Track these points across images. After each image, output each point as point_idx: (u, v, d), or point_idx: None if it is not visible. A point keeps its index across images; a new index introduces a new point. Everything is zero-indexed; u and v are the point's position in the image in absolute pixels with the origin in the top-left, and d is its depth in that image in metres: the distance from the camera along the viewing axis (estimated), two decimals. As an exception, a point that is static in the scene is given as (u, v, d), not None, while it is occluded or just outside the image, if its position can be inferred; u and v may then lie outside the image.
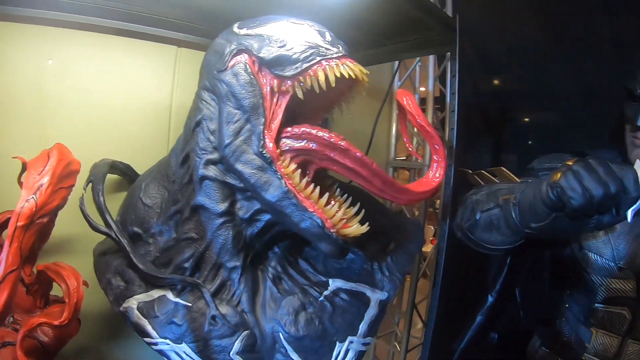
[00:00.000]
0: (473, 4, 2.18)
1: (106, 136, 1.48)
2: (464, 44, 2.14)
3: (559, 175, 0.78)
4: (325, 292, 1.11)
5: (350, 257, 1.19)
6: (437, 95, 2.24)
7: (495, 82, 2.23)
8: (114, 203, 1.30)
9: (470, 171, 1.26)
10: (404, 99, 1.16)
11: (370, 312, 1.13)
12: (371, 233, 1.18)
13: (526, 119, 2.20)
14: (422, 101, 2.24)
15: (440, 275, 1.47)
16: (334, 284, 1.14)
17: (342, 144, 0.96)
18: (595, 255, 1.33)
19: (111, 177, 1.44)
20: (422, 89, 2.31)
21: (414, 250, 1.27)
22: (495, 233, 1.02)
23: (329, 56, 1.01)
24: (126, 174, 1.45)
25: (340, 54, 1.02)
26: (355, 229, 0.98)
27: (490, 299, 1.59)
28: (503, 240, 1.02)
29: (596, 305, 1.35)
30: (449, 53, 1.69)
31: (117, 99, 1.51)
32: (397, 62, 2.19)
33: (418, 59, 2.25)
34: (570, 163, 0.79)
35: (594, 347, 1.36)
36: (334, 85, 0.98)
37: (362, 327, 1.11)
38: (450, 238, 1.38)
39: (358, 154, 0.95)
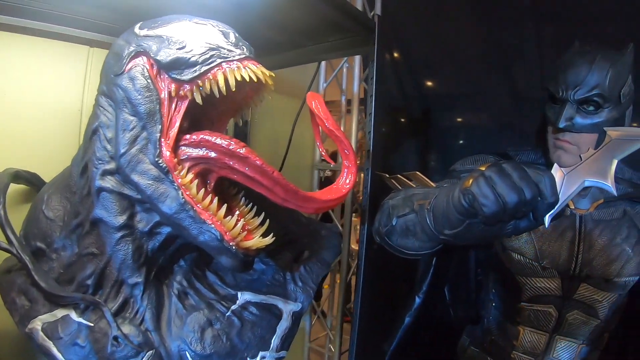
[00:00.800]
0: (402, 6, 2.17)
1: (11, 143, 1.38)
2: (391, 45, 2.16)
3: (470, 181, 0.75)
4: (233, 307, 1.06)
5: (261, 268, 1.14)
6: (363, 97, 2.23)
7: (423, 84, 2.23)
8: (22, 215, 1.22)
9: (387, 175, 1.24)
10: (313, 102, 1.12)
11: (283, 325, 1.09)
12: (284, 242, 1.15)
13: (453, 121, 2.22)
14: (350, 102, 2.23)
15: (361, 280, 1.45)
16: (243, 297, 1.08)
17: (241, 151, 0.91)
18: (519, 256, 1.36)
19: (18, 187, 1.34)
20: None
21: (329, 259, 1.23)
22: (412, 239, 1.00)
23: (230, 58, 0.95)
24: (33, 184, 1.34)
25: (243, 56, 0.96)
26: (256, 241, 0.93)
27: (417, 300, 1.60)
28: (421, 246, 1.01)
29: (522, 303, 1.38)
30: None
31: (23, 102, 1.40)
32: (323, 63, 2.17)
33: (345, 60, 2.24)
34: (483, 168, 0.75)
35: (522, 344, 1.39)
36: (234, 89, 0.93)
37: (275, 341, 1.06)
38: (371, 242, 1.37)
39: (258, 162, 0.90)
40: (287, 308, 1.11)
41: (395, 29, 2.12)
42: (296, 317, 1.12)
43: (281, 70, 1.82)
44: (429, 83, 2.22)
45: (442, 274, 1.62)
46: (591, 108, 1.24)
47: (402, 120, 2.19)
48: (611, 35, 1.96)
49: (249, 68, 0.95)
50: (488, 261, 1.48)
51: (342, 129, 2.37)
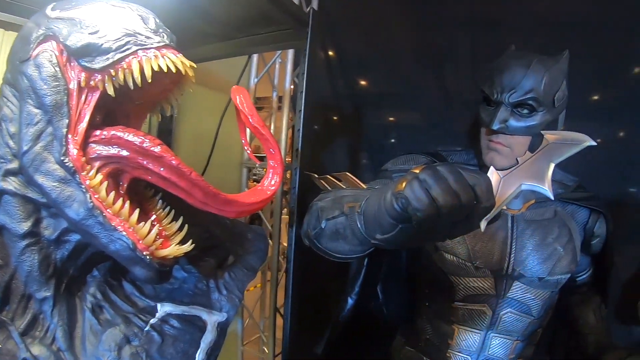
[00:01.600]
0: (339, 3, 2.13)
1: None
2: (326, 42, 2.12)
3: (404, 184, 0.69)
4: (152, 321, 0.96)
5: (182, 276, 1.05)
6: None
7: (357, 82, 2.20)
8: None
9: (316, 175, 1.18)
10: (237, 96, 1.04)
11: (208, 338, 1.00)
12: (207, 246, 1.06)
13: (386, 120, 2.21)
14: (281, 99, 2.18)
15: (291, 283, 1.40)
16: (163, 309, 0.99)
17: (155, 149, 0.81)
18: (451, 256, 1.35)
19: None
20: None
21: (255, 264, 1.16)
22: (342, 242, 0.94)
23: (147, 46, 0.85)
24: None
25: (162, 44, 0.87)
26: (173, 249, 0.84)
27: (350, 300, 1.57)
28: (351, 249, 0.95)
29: (456, 303, 1.38)
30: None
31: None
32: (254, 58, 2.09)
33: (278, 54, 2.17)
34: (417, 170, 0.69)
35: (457, 343, 1.39)
36: (150, 80, 0.84)
37: (199, 355, 0.97)
38: (300, 243, 1.32)
39: (174, 162, 0.81)
40: (212, 319, 1.02)
41: (330, 25, 2.09)
42: (222, 328, 1.03)
43: (210, 63, 1.73)
44: (363, 81, 2.20)
45: (374, 274, 1.60)
46: (525, 111, 1.25)
47: (335, 118, 2.16)
48: (543, 43, 2.01)
49: (167, 57, 0.85)
50: (420, 261, 1.47)
51: (272, 126, 2.30)
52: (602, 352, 1.42)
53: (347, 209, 0.92)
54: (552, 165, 0.76)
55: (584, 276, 1.57)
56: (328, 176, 1.15)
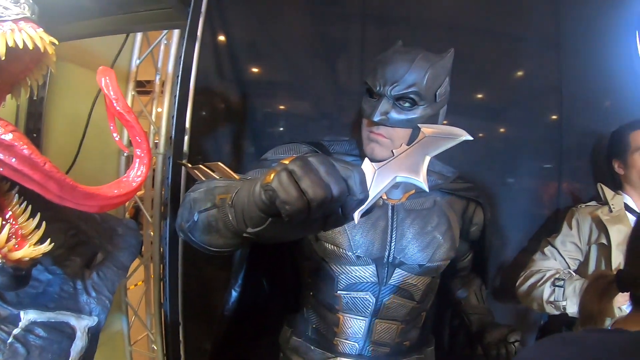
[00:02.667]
0: None
1: None
2: (216, 24, 2.03)
3: (272, 175, 0.64)
4: (15, 331, 0.85)
5: (47, 278, 0.93)
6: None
7: (249, 69, 2.14)
8: None
9: (190, 165, 1.11)
10: (103, 78, 0.94)
11: (78, 345, 0.91)
12: (73, 244, 0.96)
13: (278, 109, 2.18)
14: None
15: (167, 281, 1.33)
16: (27, 317, 0.87)
17: (6, 137, 0.71)
18: (332, 246, 1.34)
19: None
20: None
21: (126, 262, 1.06)
22: (216, 235, 0.88)
23: (4, 18, 0.74)
24: None
25: (21, 16, 0.76)
26: (28, 251, 0.74)
27: (234, 293, 1.53)
28: (226, 243, 0.88)
29: (339, 292, 1.38)
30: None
31: None
32: (138, 37, 1.96)
33: (163, 34, 2.03)
34: (286, 161, 0.65)
35: (343, 330, 1.40)
36: (4, 57, 0.73)
37: (70, 366, 0.88)
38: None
39: (25, 151, 0.71)
40: (81, 324, 0.93)
41: (221, 7, 2.00)
42: (93, 333, 0.94)
43: (90, 41, 1.58)
44: (254, 68, 2.15)
45: (258, 265, 1.57)
46: (407, 104, 1.27)
47: (222, 105, 2.07)
48: (433, 42, 2.09)
49: (25, 32, 0.75)
50: (302, 251, 1.46)
51: (154, 112, 2.16)
52: (484, 330, 1.51)
53: (218, 200, 0.86)
54: (428, 158, 0.76)
55: (464, 261, 1.65)
56: (201, 166, 1.07)
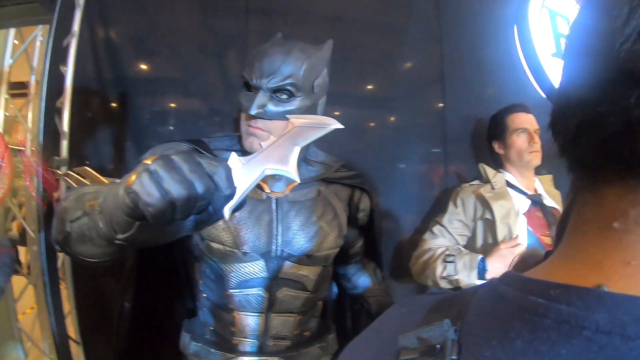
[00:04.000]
0: None
1: None
2: (95, 20, 1.93)
3: (134, 177, 0.62)
4: None
5: None
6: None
7: (135, 65, 2.06)
8: None
9: (60, 172, 1.06)
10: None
11: None
12: None
13: (167, 106, 2.12)
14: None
15: (49, 299, 1.26)
16: None
17: None
18: (218, 244, 1.32)
19: None
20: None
21: (1, 282, 1.00)
22: (90, 244, 0.83)
23: None
24: None
25: None
26: None
27: (127, 304, 1.48)
28: (102, 252, 0.84)
29: (230, 290, 1.36)
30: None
31: None
32: (11, 34, 1.81)
33: (38, 30, 1.90)
34: (148, 161, 0.63)
35: (240, 329, 1.38)
36: None
37: None
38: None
39: None
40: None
41: (103, 3, 1.91)
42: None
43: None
44: (140, 65, 2.07)
45: (150, 272, 1.53)
46: (284, 96, 1.27)
47: (105, 105, 1.96)
48: (320, 34, 2.14)
49: None
50: (191, 252, 1.44)
51: (29, 115, 2.01)
52: (384, 311, 1.54)
53: (88, 208, 0.82)
54: (297, 149, 0.76)
55: (356, 247, 1.68)
56: (69, 172, 1.02)
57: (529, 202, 1.94)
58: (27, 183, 1.07)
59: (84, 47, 1.81)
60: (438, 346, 0.39)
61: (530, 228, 1.86)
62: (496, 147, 2.08)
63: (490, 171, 2.02)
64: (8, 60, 1.89)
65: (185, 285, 1.57)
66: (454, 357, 0.38)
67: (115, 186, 0.73)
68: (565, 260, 0.40)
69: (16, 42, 1.97)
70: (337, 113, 2.24)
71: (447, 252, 1.83)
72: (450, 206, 2.00)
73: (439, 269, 1.78)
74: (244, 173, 0.72)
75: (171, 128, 2.05)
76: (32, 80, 1.98)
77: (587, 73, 0.36)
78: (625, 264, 0.34)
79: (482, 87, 2.52)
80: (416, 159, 2.40)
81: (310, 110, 1.33)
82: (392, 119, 2.43)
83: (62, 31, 1.30)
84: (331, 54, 1.39)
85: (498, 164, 2.09)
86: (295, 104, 1.28)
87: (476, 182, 2.06)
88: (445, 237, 1.95)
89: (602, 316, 0.31)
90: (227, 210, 0.68)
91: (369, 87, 2.41)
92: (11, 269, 1.04)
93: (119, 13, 1.99)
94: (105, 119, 1.96)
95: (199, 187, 0.62)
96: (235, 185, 0.69)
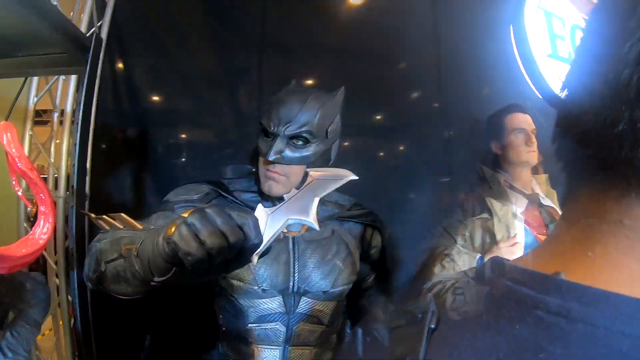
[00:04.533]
0: (133, 19, 2.04)
1: None
2: (116, 58, 2.00)
3: (173, 228, 0.71)
4: None
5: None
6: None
7: (153, 102, 2.13)
8: None
9: (94, 215, 1.12)
10: (4, 135, 0.94)
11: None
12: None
13: (181, 139, 2.17)
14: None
15: (82, 332, 1.31)
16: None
17: None
18: (238, 282, 1.39)
19: None
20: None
21: (38, 318, 1.06)
22: (125, 284, 0.92)
23: None
24: None
25: None
26: None
27: (148, 337, 1.53)
28: (136, 291, 0.93)
29: (250, 325, 1.41)
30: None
31: None
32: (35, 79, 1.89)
33: (60, 71, 1.98)
34: (185, 214, 0.72)
35: None
36: None
37: None
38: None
39: None
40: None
41: (122, 38, 1.99)
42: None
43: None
44: (155, 100, 2.13)
45: (170, 306, 1.58)
46: (300, 142, 1.36)
47: (123, 140, 2.04)
48: (332, 69, 2.24)
49: None
50: (212, 289, 1.50)
51: (52, 149, 2.08)
52: None
53: (125, 251, 0.91)
54: (317, 200, 0.84)
55: (368, 281, 1.73)
56: (104, 216, 1.09)
57: (527, 201, 1.97)
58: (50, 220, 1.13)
59: (105, 84, 1.87)
60: (420, 316, 0.45)
61: (527, 227, 1.90)
62: (494, 147, 2.11)
63: (488, 171, 2.07)
64: (33, 99, 1.97)
65: (203, 319, 1.61)
66: (432, 326, 0.44)
67: (152, 233, 0.82)
68: (539, 250, 0.44)
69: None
70: (346, 143, 2.31)
71: (456, 285, 1.84)
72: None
73: (449, 301, 1.80)
74: (269, 223, 0.80)
75: (183, 160, 2.10)
76: (55, 117, 2.05)
77: (596, 77, 0.37)
78: (584, 255, 0.37)
79: (480, 88, 2.60)
80: (426, 188, 2.45)
81: (325, 154, 1.42)
82: (402, 148, 2.51)
83: (89, 83, 1.37)
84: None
85: (496, 164, 2.12)
86: (310, 149, 1.36)
87: (485, 215, 2.07)
88: (445, 238, 1.99)
89: (552, 299, 0.35)
90: (255, 257, 0.76)
91: (378, 117, 2.48)
92: (48, 305, 1.10)
93: (137, 51, 2.05)
94: (123, 154, 2.02)
95: (231, 237, 0.70)
96: (262, 234, 0.76)
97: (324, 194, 0.86)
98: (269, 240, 0.79)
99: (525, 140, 2.01)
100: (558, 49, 2.81)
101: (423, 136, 2.51)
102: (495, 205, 1.94)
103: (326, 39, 2.34)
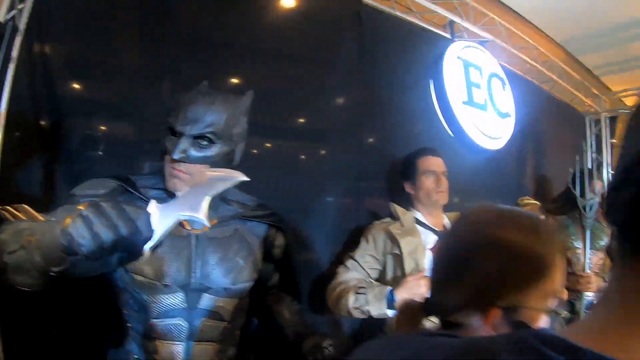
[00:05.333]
0: (58, 10, 1.97)
1: None
2: (33, 50, 1.90)
3: (69, 220, 0.79)
4: None
5: None
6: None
7: (69, 89, 2.03)
8: None
9: None
10: None
11: None
12: None
13: (99, 132, 2.11)
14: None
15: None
16: None
17: None
18: (141, 277, 1.42)
19: None
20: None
21: None
22: (26, 275, 0.97)
23: None
24: None
25: None
26: None
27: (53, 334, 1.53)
28: (35, 282, 0.98)
29: (152, 320, 1.44)
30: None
31: None
32: None
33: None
34: (82, 207, 0.80)
35: (163, 357, 1.45)
36: None
37: None
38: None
39: None
40: None
41: (44, 28, 1.92)
42: None
43: None
44: (73, 87, 2.04)
45: (75, 304, 1.61)
46: (205, 142, 1.42)
47: (38, 128, 1.94)
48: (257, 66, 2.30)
49: None
50: (116, 284, 1.51)
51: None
52: (301, 340, 1.64)
53: (26, 242, 0.96)
54: (208, 198, 0.92)
55: (272, 280, 1.80)
56: (8, 207, 1.14)
57: (436, 237, 2.12)
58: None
59: (21, 70, 1.82)
60: None
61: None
62: (407, 187, 2.28)
63: (400, 210, 2.21)
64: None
65: (110, 316, 1.60)
66: None
67: (52, 225, 0.90)
68: (614, 328, 0.39)
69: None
70: (268, 145, 2.38)
71: (359, 285, 1.97)
72: (363, 242, 2.16)
73: (351, 300, 1.92)
74: (161, 218, 0.87)
75: (101, 153, 2.05)
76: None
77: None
78: None
79: (404, 129, 2.78)
80: (341, 192, 2.56)
81: (229, 155, 1.48)
82: (323, 152, 2.61)
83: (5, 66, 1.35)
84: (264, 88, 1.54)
85: (409, 202, 2.28)
86: (214, 150, 1.43)
87: (387, 219, 2.23)
88: (357, 271, 2.09)
89: None
90: (146, 249, 0.84)
91: (301, 120, 2.57)
92: None
93: (57, 36, 1.98)
94: (35, 143, 1.95)
95: (123, 230, 0.79)
96: (154, 228, 0.85)
97: (215, 193, 0.95)
98: (160, 234, 0.86)
99: (435, 181, 2.19)
100: (474, 96, 3.12)
101: (341, 142, 2.61)
102: (405, 241, 2.05)
103: (255, 40, 2.37)
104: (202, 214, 0.91)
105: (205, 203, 0.92)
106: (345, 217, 2.54)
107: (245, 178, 0.98)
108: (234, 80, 2.35)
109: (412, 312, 0.97)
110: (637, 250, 0.39)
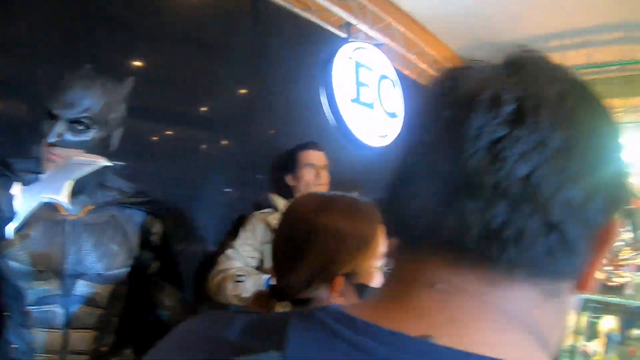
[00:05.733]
0: None
1: None
2: None
3: None
4: None
5: None
6: None
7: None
8: None
9: None
10: None
11: None
12: None
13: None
14: None
15: None
16: None
17: None
18: (14, 262, 1.40)
19: None
20: None
21: None
22: None
23: None
24: None
25: None
26: None
27: None
28: None
29: (27, 307, 1.43)
30: None
31: None
32: None
33: None
34: None
35: (40, 346, 1.45)
36: None
37: None
38: None
39: None
40: None
41: None
42: None
43: None
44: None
45: None
46: (81, 127, 1.43)
47: None
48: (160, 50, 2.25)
49: None
50: None
51: None
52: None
53: None
54: (70, 181, 0.95)
55: (152, 268, 1.81)
56: None
57: None
58: None
59: None
60: None
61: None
62: (288, 179, 2.41)
63: (280, 201, 2.31)
64: None
65: None
66: None
67: None
68: (392, 307, 0.41)
69: None
70: (169, 132, 2.38)
71: (238, 273, 2.04)
72: (242, 232, 2.24)
73: (230, 288, 1.99)
74: (24, 200, 0.89)
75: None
76: None
77: (433, 181, 0.40)
78: (450, 321, 0.37)
79: (290, 123, 2.87)
80: (236, 183, 2.62)
81: (105, 141, 1.50)
82: (226, 142, 2.65)
83: None
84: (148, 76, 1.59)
85: (290, 194, 2.38)
86: (90, 135, 1.44)
87: (268, 209, 2.32)
88: (237, 259, 2.16)
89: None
90: (10, 230, 0.86)
91: (203, 108, 2.58)
92: None
93: None
94: None
95: None
96: (17, 210, 0.87)
97: (77, 176, 0.98)
98: (26, 215, 0.89)
99: (315, 174, 2.32)
100: (362, 95, 3.31)
101: (237, 133, 2.66)
102: None
103: (155, 23, 2.31)
104: (63, 196, 0.93)
105: (67, 187, 0.93)
106: (234, 207, 2.59)
107: (108, 163, 1.00)
108: (137, 64, 2.27)
109: (264, 300, 1.07)
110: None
